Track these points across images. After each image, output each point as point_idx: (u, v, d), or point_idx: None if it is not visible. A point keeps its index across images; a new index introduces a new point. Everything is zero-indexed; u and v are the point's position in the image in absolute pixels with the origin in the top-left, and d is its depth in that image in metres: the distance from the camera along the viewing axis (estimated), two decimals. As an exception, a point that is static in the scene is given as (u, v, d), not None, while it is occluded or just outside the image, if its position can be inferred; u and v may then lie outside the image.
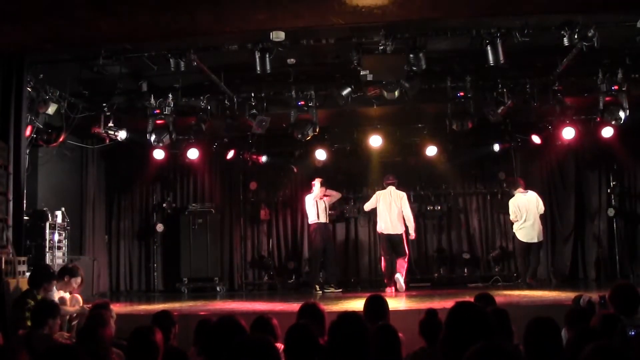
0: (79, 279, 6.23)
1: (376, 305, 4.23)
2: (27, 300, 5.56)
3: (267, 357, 2.59)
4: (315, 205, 10.05)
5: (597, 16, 6.75)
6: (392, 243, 9.49)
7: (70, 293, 6.15)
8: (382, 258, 9.72)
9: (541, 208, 9.55)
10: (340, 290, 9.97)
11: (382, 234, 9.60)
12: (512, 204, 9.68)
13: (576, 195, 10.91)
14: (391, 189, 9.72)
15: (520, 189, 9.69)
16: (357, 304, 7.15)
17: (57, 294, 5.98)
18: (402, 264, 9.40)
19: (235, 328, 3.33)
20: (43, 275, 5.89)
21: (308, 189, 10.46)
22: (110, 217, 11.40)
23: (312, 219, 10.08)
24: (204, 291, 10.57)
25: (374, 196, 9.83)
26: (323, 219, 10.10)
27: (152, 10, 6.08)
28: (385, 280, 9.53)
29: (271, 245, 11.67)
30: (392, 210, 9.53)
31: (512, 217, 9.69)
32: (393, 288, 9.25)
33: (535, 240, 9.48)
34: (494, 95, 8.78)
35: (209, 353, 3.36)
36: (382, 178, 10.30)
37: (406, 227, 9.57)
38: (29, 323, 5.28)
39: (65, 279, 6.17)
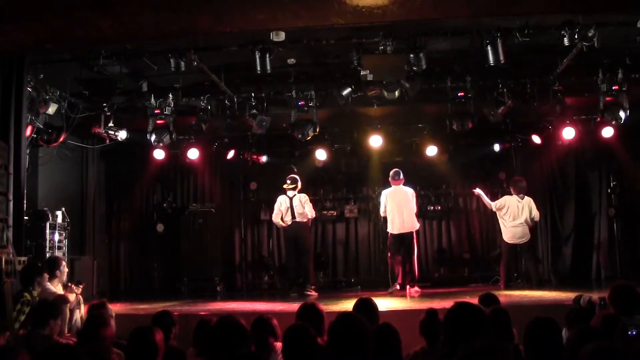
0: (63, 266, 6.35)
1: (366, 308, 4.21)
2: (22, 294, 5.60)
3: None
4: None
5: (597, 16, 6.74)
6: (403, 242, 9.10)
7: (64, 287, 6.21)
8: (389, 257, 9.41)
9: (535, 214, 9.40)
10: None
11: (392, 234, 9.14)
12: (503, 199, 9.64)
13: (576, 195, 10.91)
14: (398, 186, 9.29)
15: (522, 194, 9.56)
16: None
17: (55, 290, 6.02)
18: (413, 268, 9.13)
19: (235, 329, 3.32)
20: (33, 271, 5.89)
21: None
22: (111, 217, 11.40)
23: (306, 218, 9.52)
24: (204, 291, 10.55)
25: (382, 197, 9.35)
26: None
27: (152, 10, 6.08)
28: (390, 279, 9.35)
29: (271, 245, 11.68)
30: (402, 208, 9.05)
31: (494, 204, 9.59)
32: (398, 286, 9.00)
33: (518, 242, 9.41)
34: (494, 95, 8.78)
35: (208, 354, 3.36)
36: (382, 178, 10.23)
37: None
38: (22, 318, 5.34)
39: (57, 273, 6.24)
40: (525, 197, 9.53)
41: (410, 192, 9.23)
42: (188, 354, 4.01)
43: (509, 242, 9.49)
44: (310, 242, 10.00)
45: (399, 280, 9.11)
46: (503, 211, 9.50)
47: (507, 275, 9.68)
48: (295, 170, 11.06)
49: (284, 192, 9.56)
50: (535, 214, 9.43)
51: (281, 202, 9.53)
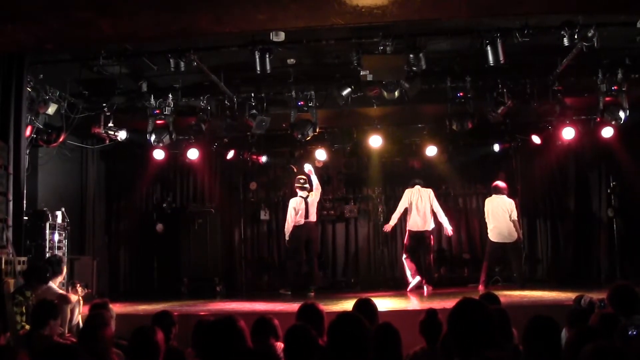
0: (64, 264, 6.50)
1: (365, 308, 4.20)
2: (15, 296, 5.63)
3: None
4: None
5: (597, 16, 6.75)
6: (420, 240, 9.41)
7: (69, 287, 6.26)
8: (406, 257, 9.46)
9: (514, 214, 9.43)
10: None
11: (411, 231, 9.44)
12: (486, 202, 9.72)
13: (576, 196, 10.90)
14: (418, 186, 9.61)
15: (500, 194, 9.58)
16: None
17: (56, 288, 6.04)
18: (430, 267, 9.45)
19: (232, 329, 3.31)
20: (37, 277, 5.94)
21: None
22: (110, 217, 11.39)
23: (316, 217, 9.73)
24: (203, 291, 10.52)
25: (405, 194, 9.62)
26: None
27: (152, 10, 6.07)
28: (412, 278, 9.32)
29: (271, 245, 11.67)
30: (420, 207, 9.40)
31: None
32: (425, 286, 9.14)
33: (507, 241, 9.40)
34: (494, 96, 8.77)
35: (206, 354, 3.35)
36: (382, 178, 10.19)
37: (438, 224, 9.58)
38: (21, 319, 5.35)
39: (62, 270, 6.36)
40: (506, 197, 9.55)
41: (428, 191, 9.54)
42: (186, 354, 4.01)
43: (495, 241, 9.46)
44: (319, 243, 10.05)
45: (421, 278, 9.23)
46: (488, 212, 9.56)
47: (488, 275, 9.59)
48: (295, 170, 11.07)
49: (295, 193, 9.62)
50: (514, 214, 9.44)
51: (297, 204, 9.48)
